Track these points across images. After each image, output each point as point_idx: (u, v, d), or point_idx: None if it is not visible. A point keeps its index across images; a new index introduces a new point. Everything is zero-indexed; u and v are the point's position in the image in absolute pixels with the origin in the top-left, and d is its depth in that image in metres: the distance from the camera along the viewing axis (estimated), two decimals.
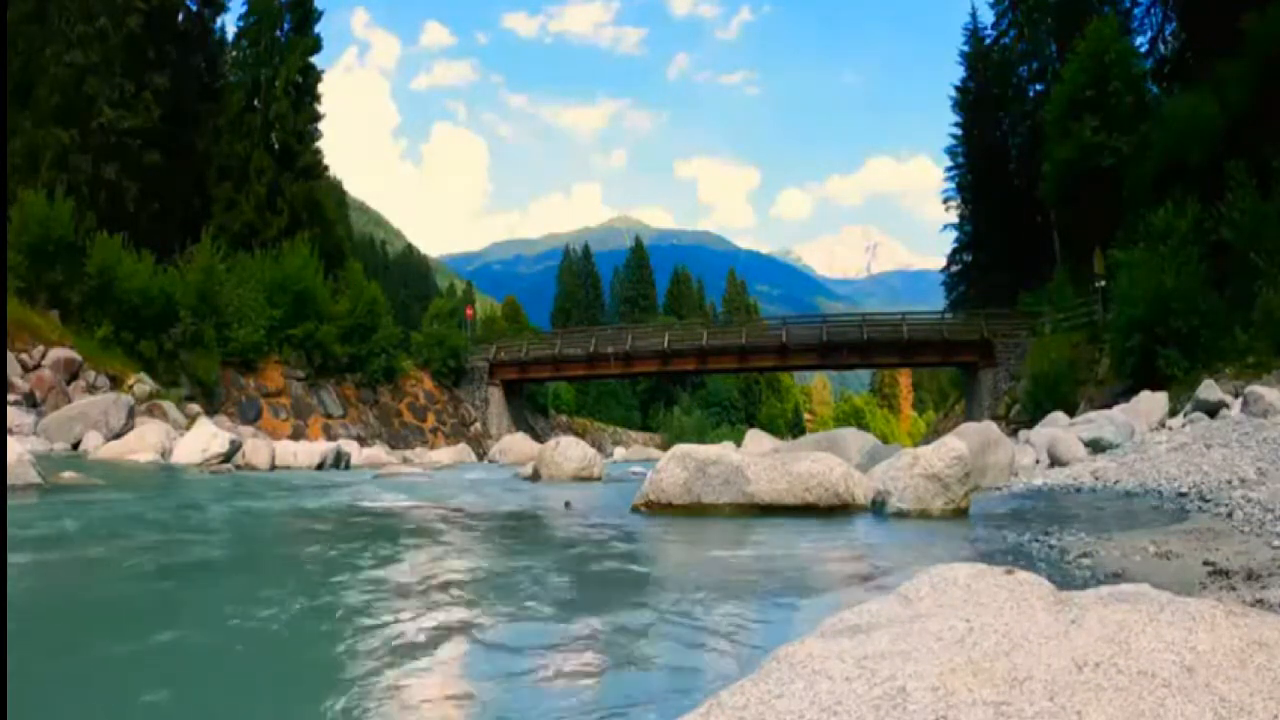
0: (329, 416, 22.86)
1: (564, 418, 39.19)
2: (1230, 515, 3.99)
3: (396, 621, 2.49)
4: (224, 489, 7.78)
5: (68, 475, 6.90)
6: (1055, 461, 8.49)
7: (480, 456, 20.79)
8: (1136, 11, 28.34)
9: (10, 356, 13.75)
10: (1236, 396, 11.06)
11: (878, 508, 5.17)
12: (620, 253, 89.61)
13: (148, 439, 11.41)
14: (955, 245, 37.22)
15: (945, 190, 37.54)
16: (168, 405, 15.73)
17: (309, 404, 22.62)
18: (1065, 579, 2.89)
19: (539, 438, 23.64)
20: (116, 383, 15.85)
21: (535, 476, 9.77)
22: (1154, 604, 1.16)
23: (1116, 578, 2.81)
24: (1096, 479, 6.71)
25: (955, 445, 5.14)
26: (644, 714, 1.72)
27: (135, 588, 3.05)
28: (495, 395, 29.50)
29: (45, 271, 16.64)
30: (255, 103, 28.78)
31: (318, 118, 30.17)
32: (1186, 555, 3.17)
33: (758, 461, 5.52)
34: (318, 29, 30.53)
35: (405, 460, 16.16)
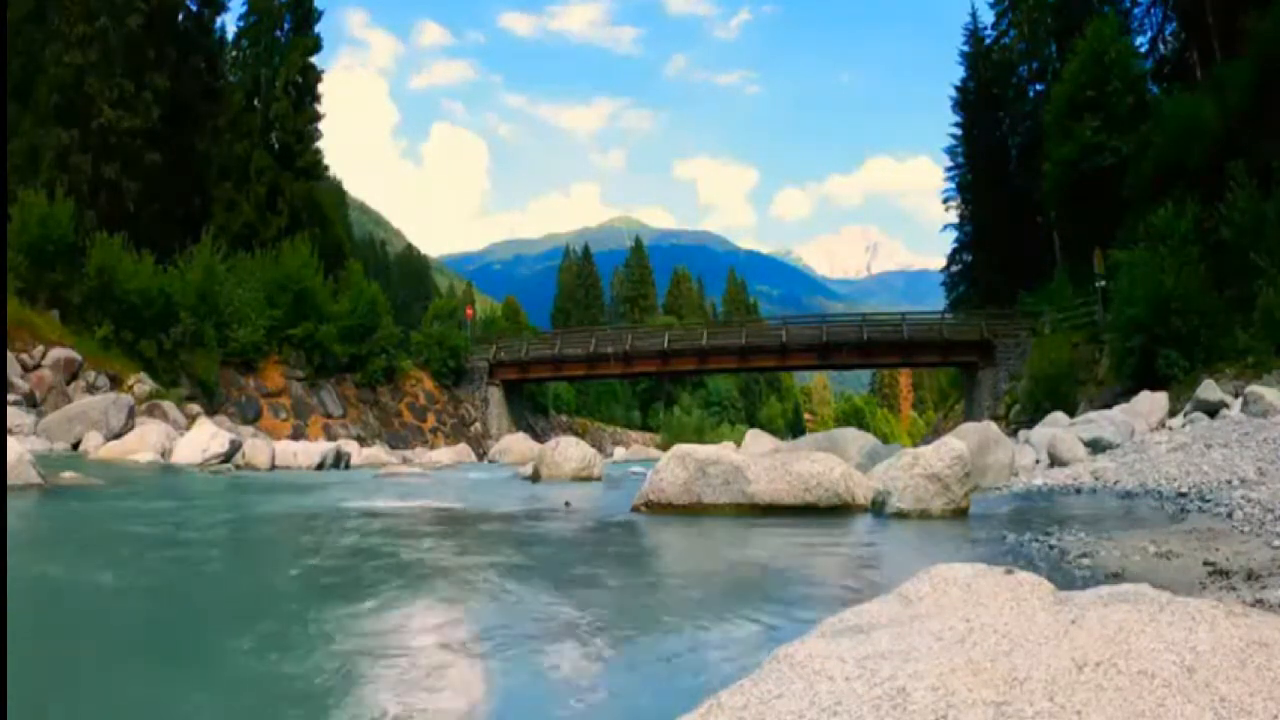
0: (329, 416, 22.86)
1: (564, 418, 39.18)
2: (1230, 515, 3.99)
3: (394, 621, 2.49)
4: (224, 489, 7.78)
5: (68, 475, 6.90)
6: (1055, 461, 8.49)
7: (480, 456, 20.78)
8: (1136, 11, 28.41)
9: (10, 356, 13.75)
10: (1236, 396, 11.06)
11: (878, 508, 5.17)
12: (620, 253, 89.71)
13: (148, 439, 11.41)
14: (955, 245, 37.27)
15: (945, 190, 37.62)
16: (168, 405, 15.72)
17: (309, 404, 22.62)
18: (1065, 579, 2.89)
19: (539, 438, 23.64)
20: (116, 383, 15.84)
21: (535, 476, 9.77)
22: (1154, 604, 1.16)
23: (1116, 578, 2.81)
24: (1096, 479, 6.71)
25: (955, 445, 5.14)
26: (644, 714, 1.72)
27: (135, 589, 3.05)
28: (495, 395, 29.49)
29: (45, 271, 16.63)
30: (255, 103, 28.82)
31: (318, 118, 30.21)
32: (1186, 555, 3.17)
33: (758, 461, 5.52)
34: (317, 29, 30.59)
35: (405, 460, 16.16)
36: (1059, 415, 13.25)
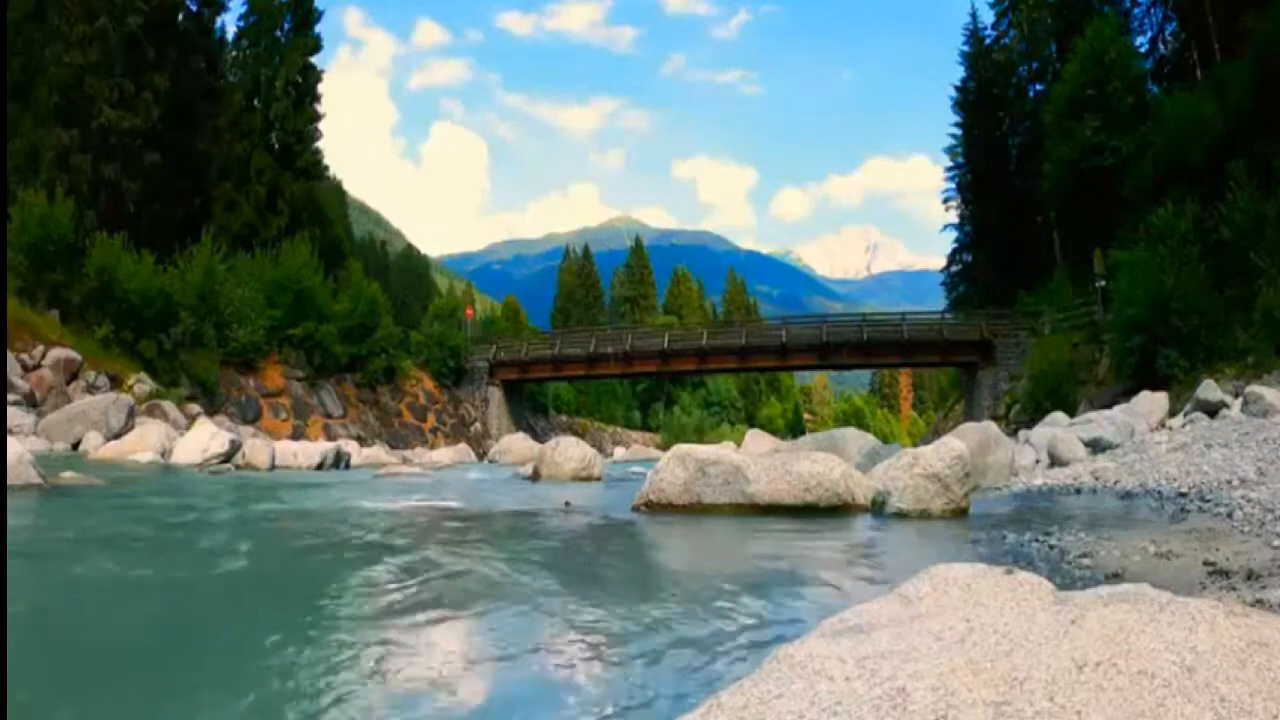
0: (329, 416, 22.87)
1: (564, 418, 39.18)
2: (1230, 515, 3.99)
3: (394, 621, 2.49)
4: (224, 489, 7.78)
5: (68, 475, 6.90)
6: (1055, 461, 8.49)
7: (480, 456, 20.78)
8: (1136, 11, 28.42)
9: (10, 356, 13.75)
10: (1236, 396, 11.06)
11: (878, 508, 5.17)
12: (620, 253, 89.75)
13: (148, 439, 11.41)
14: (955, 245, 37.25)
15: (945, 190, 37.61)
16: (168, 405, 15.72)
17: (309, 404, 22.62)
18: (1065, 579, 2.89)
19: (539, 438, 23.63)
20: (116, 383, 15.85)
21: (535, 476, 9.77)
22: (1154, 604, 1.16)
23: (1116, 578, 2.81)
24: (1096, 479, 6.71)
25: (955, 445, 5.14)
26: (643, 714, 1.72)
27: (135, 589, 3.05)
28: (495, 395, 29.50)
29: (45, 271, 16.64)
30: (255, 103, 28.81)
31: (318, 118, 30.22)
32: (1186, 555, 3.17)
33: (758, 461, 5.52)
34: (317, 29, 30.59)
35: (405, 460, 16.15)
36: (1059, 415, 13.25)
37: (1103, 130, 22.57)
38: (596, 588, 3.19)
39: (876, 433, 31.49)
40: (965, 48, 35.85)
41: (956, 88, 35.72)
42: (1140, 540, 3.53)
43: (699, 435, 43.07)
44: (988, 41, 35.37)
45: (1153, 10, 28.12)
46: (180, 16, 24.97)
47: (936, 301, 39.67)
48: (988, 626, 1.18)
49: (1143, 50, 27.10)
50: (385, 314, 26.50)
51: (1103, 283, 20.17)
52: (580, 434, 32.61)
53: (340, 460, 12.62)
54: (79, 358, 15.42)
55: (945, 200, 37.38)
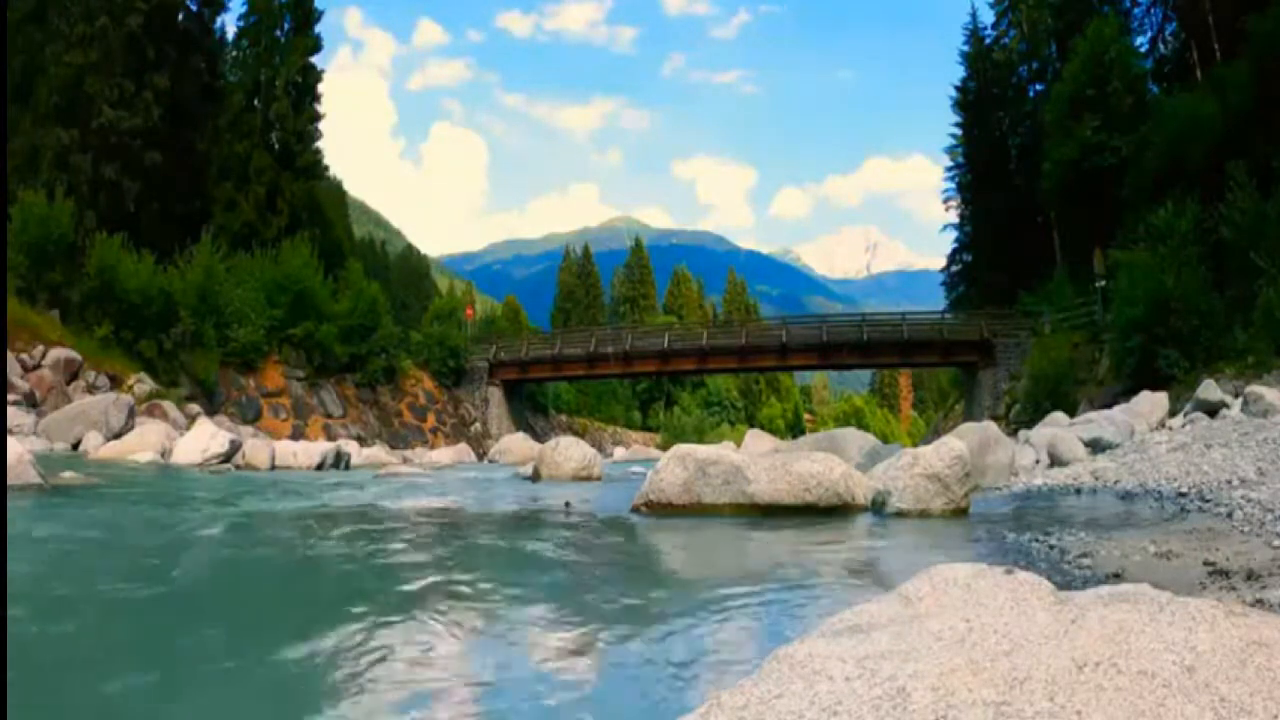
0: (329, 416, 22.86)
1: (564, 418, 39.16)
2: (1230, 515, 3.99)
3: (395, 621, 2.49)
4: (224, 489, 7.78)
5: (68, 475, 6.90)
6: (1055, 461, 8.49)
7: (480, 456, 20.78)
8: (1136, 11, 28.43)
9: (10, 356, 13.75)
10: (1236, 396, 11.05)
11: (878, 508, 5.17)
12: (620, 253, 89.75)
13: (148, 439, 11.40)
14: (955, 245, 37.21)
15: (945, 190, 37.61)
16: (168, 405, 15.72)
17: (309, 404, 22.61)
18: (1065, 579, 2.89)
19: (539, 438, 23.62)
20: (116, 383, 15.84)
21: (535, 476, 9.77)
22: (1154, 604, 1.16)
23: (1116, 578, 2.81)
24: (1096, 479, 6.70)
25: (955, 445, 5.14)
26: (644, 714, 1.72)
27: (135, 589, 3.05)
28: (495, 395, 29.48)
29: (45, 271, 16.63)
30: (255, 103, 28.82)
31: (318, 118, 30.22)
32: (1186, 555, 3.17)
33: (758, 461, 5.51)
34: (317, 29, 30.59)
35: (405, 460, 16.15)
36: (1059, 415, 13.24)
37: (1103, 130, 22.57)
38: (596, 588, 3.19)
39: (876, 433, 31.43)
40: (965, 48, 35.82)
41: (956, 88, 35.71)
42: (1140, 540, 3.53)
43: (699, 435, 43.07)
44: (988, 41, 35.34)
45: (1153, 10, 28.15)
46: (180, 16, 24.92)
47: (936, 301, 39.62)
48: (988, 626, 1.18)
49: (1143, 50, 27.13)
50: (385, 314, 26.47)
51: (1103, 283, 20.17)
52: (580, 434, 32.62)
53: (340, 460, 12.62)
54: (79, 358, 15.41)
55: (945, 200, 37.42)
